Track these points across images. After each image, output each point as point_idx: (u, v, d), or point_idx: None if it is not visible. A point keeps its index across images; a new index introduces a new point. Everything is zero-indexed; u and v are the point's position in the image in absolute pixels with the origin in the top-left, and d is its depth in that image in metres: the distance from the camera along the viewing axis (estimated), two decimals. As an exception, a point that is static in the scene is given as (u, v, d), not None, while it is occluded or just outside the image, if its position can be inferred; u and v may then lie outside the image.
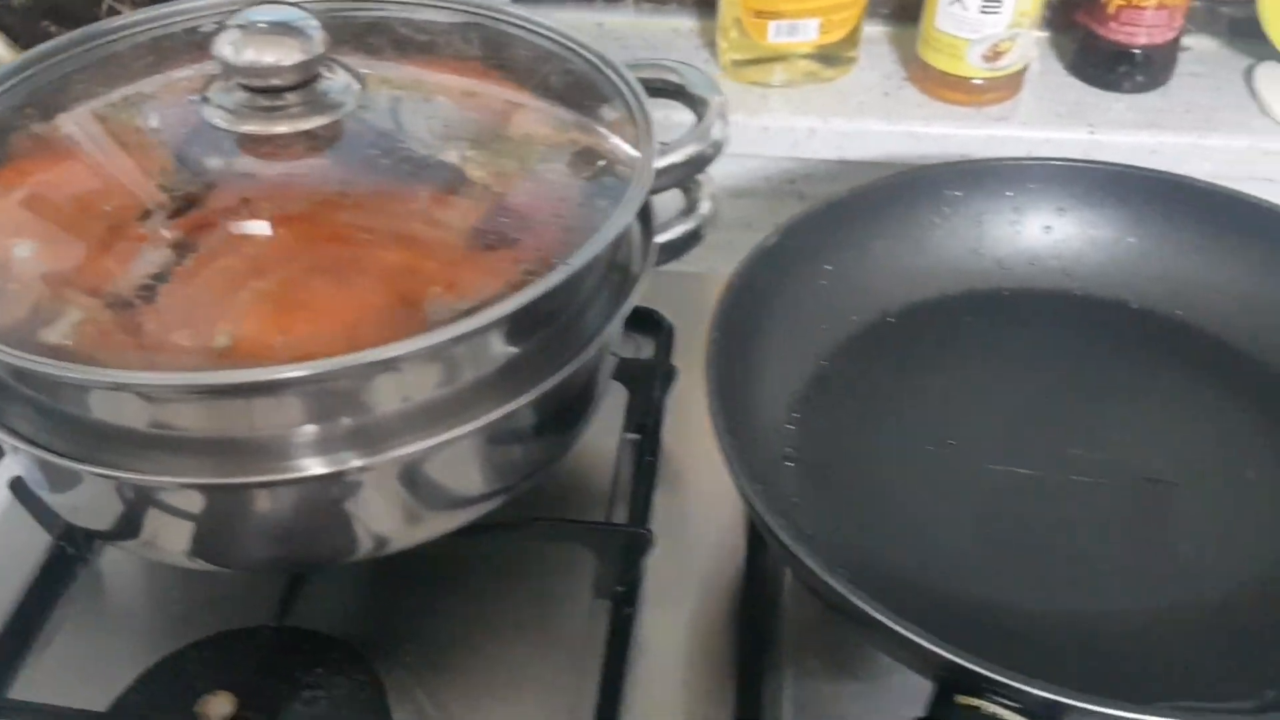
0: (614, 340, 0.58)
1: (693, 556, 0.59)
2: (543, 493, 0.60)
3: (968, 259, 0.66)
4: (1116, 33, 0.80)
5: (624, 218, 0.49)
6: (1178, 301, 0.64)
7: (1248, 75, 0.83)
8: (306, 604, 0.54)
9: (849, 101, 0.83)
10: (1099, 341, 0.64)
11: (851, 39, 0.84)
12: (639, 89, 0.56)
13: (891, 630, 0.42)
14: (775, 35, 0.81)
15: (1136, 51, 0.81)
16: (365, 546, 0.51)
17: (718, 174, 0.83)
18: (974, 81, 0.81)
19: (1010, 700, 0.40)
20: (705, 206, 0.59)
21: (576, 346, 0.50)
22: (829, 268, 0.63)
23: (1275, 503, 0.55)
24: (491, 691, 0.54)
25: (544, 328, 0.49)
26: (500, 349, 0.48)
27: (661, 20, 0.90)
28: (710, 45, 0.86)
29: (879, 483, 0.56)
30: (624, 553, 0.57)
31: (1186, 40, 0.87)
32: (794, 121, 0.81)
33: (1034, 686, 0.39)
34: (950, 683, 0.41)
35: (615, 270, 0.54)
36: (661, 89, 0.59)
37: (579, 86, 0.57)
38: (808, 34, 0.81)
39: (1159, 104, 0.82)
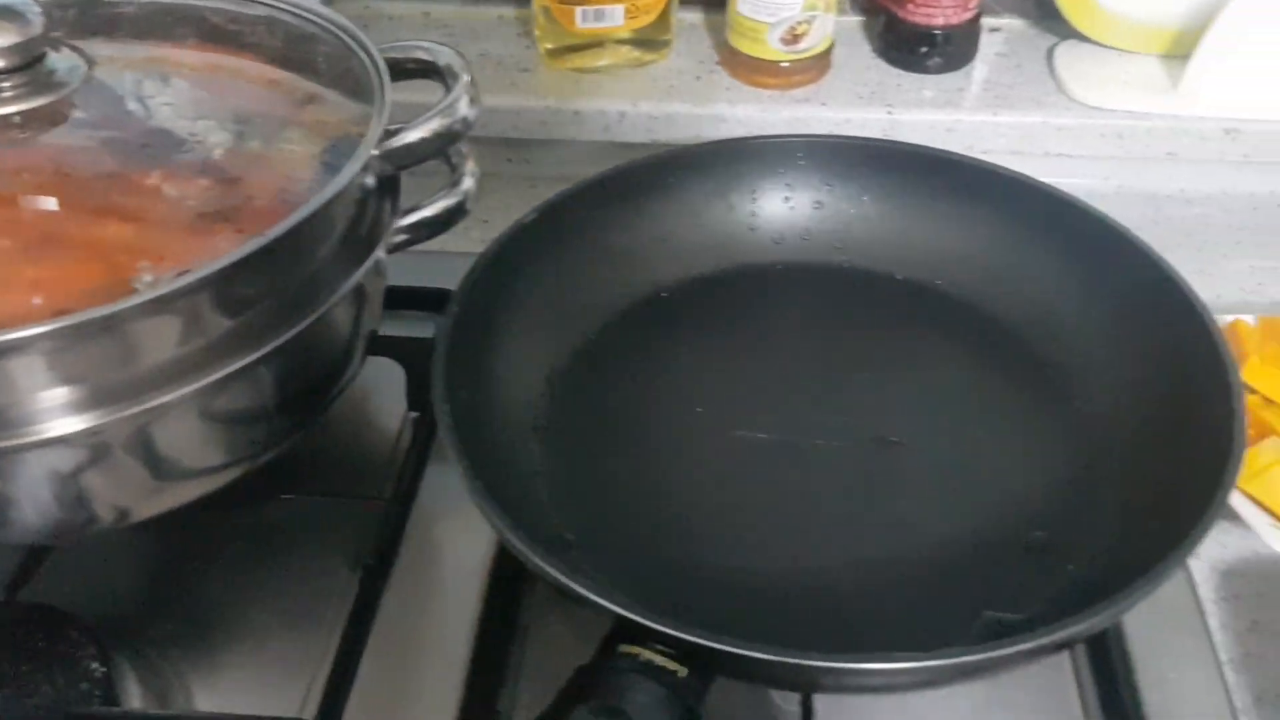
0: (373, 317, 0.59)
1: (456, 532, 0.60)
2: (319, 467, 0.62)
3: (744, 235, 0.68)
4: (915, 15, 0.82)
5: (334, 188, 0.50)
6: (938, 273, 0.65)
7: (1049, 55, 0.85)
8: (49, 578, 0.55)
9: (659, 85, 0.84)
10: (863, 313, 0.65)
11: (664, 24, 0.85)
12: (383, 67, 0.57)
13: (563, 584, 0.43)
14: (583, 21, 0.82)
15: (936, 33, 0.83)
16: (105, 518, 0.52)
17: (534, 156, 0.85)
18: (780, 64, 0.82)
19: (666, 646, 0.41)
20: (467, 183, 0.61)
21: (299, 316, 0.51)
22: (597, 243, 0.64)
23: (995, 459, 0.56)
24: (236, 665, 0.54)
25: (268, 297, 0.50)
26: (216, 316, 0.48)
27: (487, 9, 0.91)
28: (530, 34, 0.88)
29: (623, 450, 0.58)
30: (378, 525, 0.58)
31: (997, 21, 0.89)
32: (605, 105, 0.82)
33: (685, 633, 0.41)
34: (618, 633, 0.42)
35: (357, 243, 0.55)
36: (415, 69, 0.60)
37: (325, 64, 0.58)
38: (614, 20, 0.82)
39: (959, 83, 0.84)
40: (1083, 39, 0.85)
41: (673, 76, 0.85)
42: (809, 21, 0.80)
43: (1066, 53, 0.85)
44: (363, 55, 0.58)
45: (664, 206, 0.66)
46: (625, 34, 0.84)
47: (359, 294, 0.56)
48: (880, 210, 0.67)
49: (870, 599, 0.51)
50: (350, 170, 0.51)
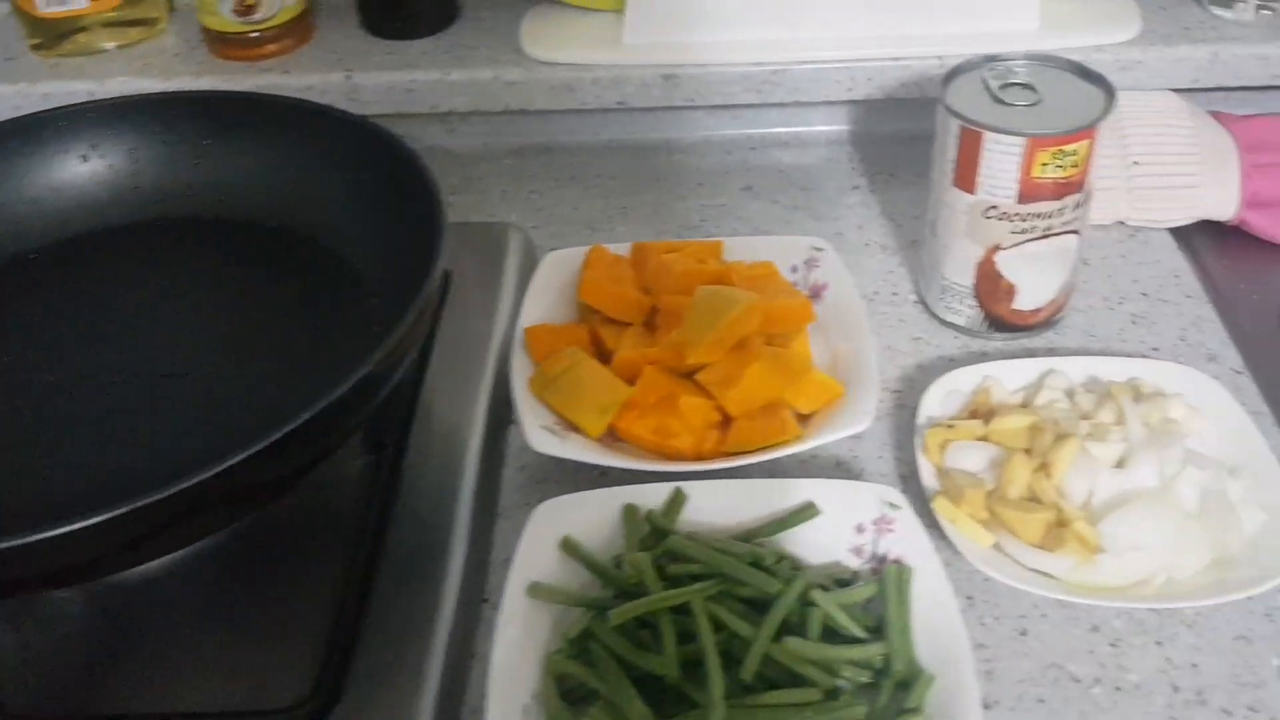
0: None
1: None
2: None
3: (126, 194, 0.70)
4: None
5: None
6: (277, 213, 0.68)
7: (521, 18, 0.89)
8: None
9: (134, 65, 0.86)
10: (220, 260, 0.67)
11: (153, 4, 0.88)
12: None
13: None
14: (45, 6, 0.84)
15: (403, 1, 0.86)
16: None
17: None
18: (249, 35, 0.85)
19: None
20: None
21: None
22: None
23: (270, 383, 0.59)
24: None
25: None
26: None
27: (-3, 4, 0.92)
28: (24, 24, 0.89)
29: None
30: None
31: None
32: (74, 86, 0.84)
33: None
34: None
35: None
36: None
37: None
38: (78, 3, 0.84)
39: (426, 48, 0.87)
40: (555, 2, 0.88)
41: (154, 55, 0.87)
42: (258, -8, 0.82)
43: (536, 15, 0.88)
44: None
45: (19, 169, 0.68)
46: (108, 16, 0.86)
47: None
48: (256, 162, 0.69)
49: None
50: None
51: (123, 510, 0.43)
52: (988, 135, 0.63)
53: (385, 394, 0.54)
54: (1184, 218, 0.78)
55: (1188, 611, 0.55)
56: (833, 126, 0.89)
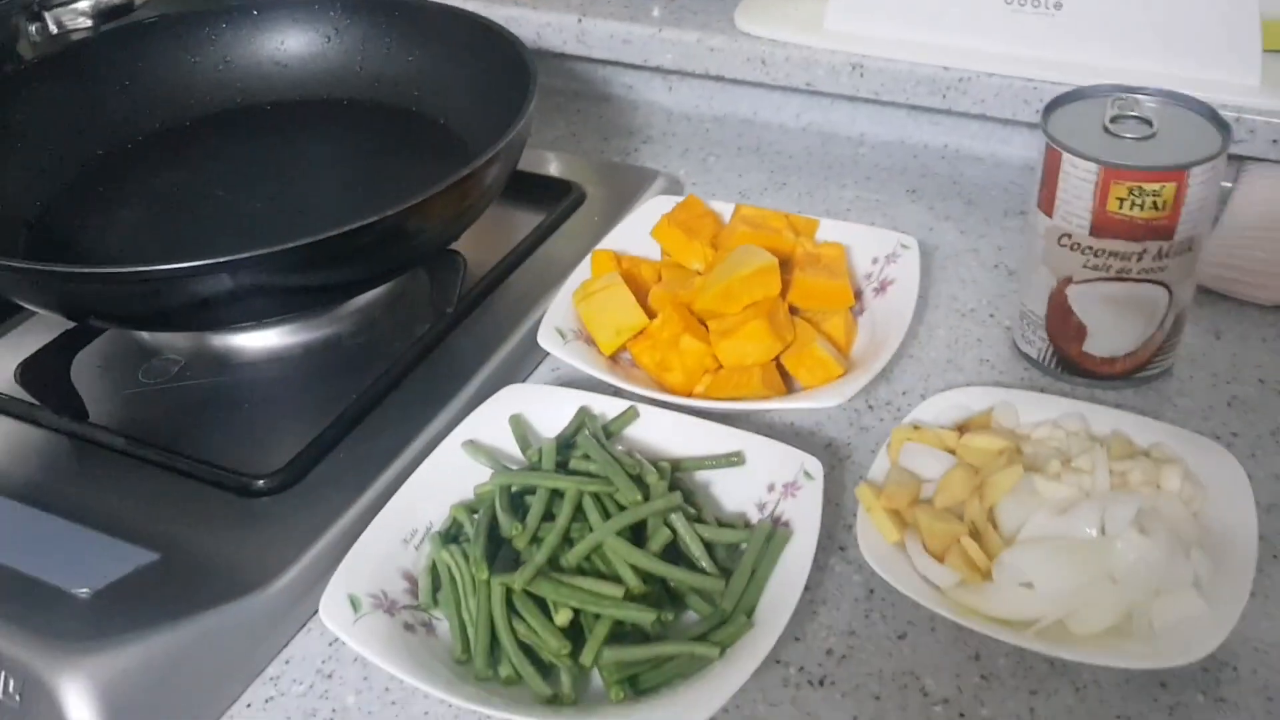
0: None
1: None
2: None
3: (350, 75, 0.84)
4: (621, -61, 0.94)
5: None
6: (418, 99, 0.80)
7: (753, -7, 0.94)
8: None
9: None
10: (373, 136, 0.80)
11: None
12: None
13: None
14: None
15: (645, -41, 0.94)
16: None
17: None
18: (516, -27, 0.97)
19: None
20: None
21: None
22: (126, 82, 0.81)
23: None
24: None
25: None
26: None
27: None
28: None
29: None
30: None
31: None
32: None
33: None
34: None
35: None
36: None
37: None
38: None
39: (651, 4, 0.94)
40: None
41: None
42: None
43: (761, -9, 0.93)
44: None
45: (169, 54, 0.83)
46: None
47: None
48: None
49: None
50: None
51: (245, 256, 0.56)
52: (1066, 157, 0.61)
53: (435, 239, 0.64)
54: (1358, 316, 0.69)
55: (1085, 675, 0.52)
56: (1030, 153, 0.87)
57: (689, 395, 0.64)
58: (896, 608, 0.55)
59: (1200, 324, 0.70)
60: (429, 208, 0.60)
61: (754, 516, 0.57)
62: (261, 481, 0.59)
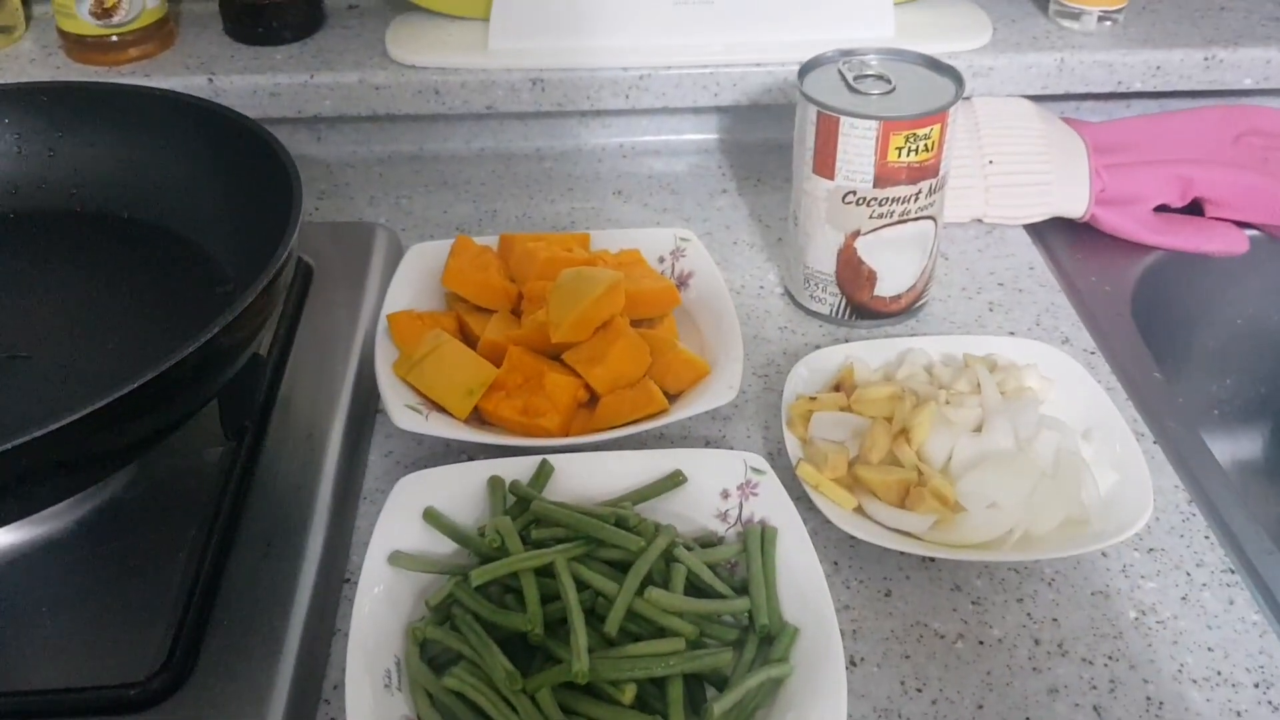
0: None
1: None
2: None
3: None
4: (239, -11, 0.84)
5: None
6: (129, 203, 0.66)
7: (389, 25, 0.89)
8: None
9: (-15, 68, 0.84)
10: (72, 251, 0.65)
11: (9, 12, 0.85)
12: None
13: None
14: (-108, 8, 0.81)
15: (265, 6, 0.85)
16: None
17: None
18: (110, 39, 0.83)
19: None
20: None
21: None
22: None
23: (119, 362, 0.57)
24: None
25: None
26: None
27: None
28: None
29: None
30: None
31: None
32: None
33: None
34: None
35: None
36: None
37: None
38: (-74, 5, 0.82)
39: (294, 52, 0.86)
40: (419, 9, 0.88)
41: (8, 61, 0.85)
42: (119, -7, 0.81)
43: (401, 22, 0.88)
44: None
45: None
46: (-40, 22, 0.84)
47: None
48: (110, 152, 0.68)
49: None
50: None
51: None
52: (844, 120, 0.65)
53: (233, 370, 0.53)
54: (1037, 215, 0.81)
55: (1047, 570, 0.56)
56: (702, 135, 0.91)
57: (569, 435, 0.60)
58: (866, 570, 0.56)
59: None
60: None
61: (720, 528, 0.55)
62: (135, 689, 0.47)
